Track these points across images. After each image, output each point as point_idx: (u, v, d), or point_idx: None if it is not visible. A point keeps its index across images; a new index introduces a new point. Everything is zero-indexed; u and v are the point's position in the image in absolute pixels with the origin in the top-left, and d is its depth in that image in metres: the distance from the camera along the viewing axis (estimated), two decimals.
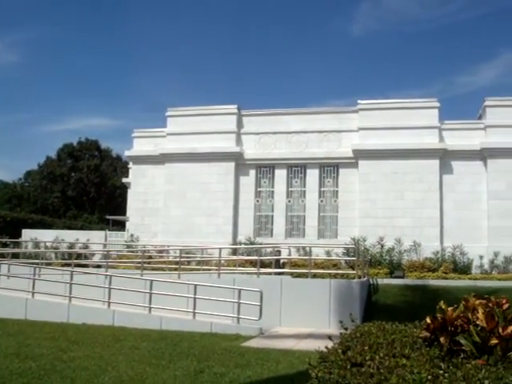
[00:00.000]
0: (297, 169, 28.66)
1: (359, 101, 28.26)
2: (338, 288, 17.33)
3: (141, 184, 30.47)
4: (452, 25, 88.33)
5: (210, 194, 28.65)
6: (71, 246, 28.57)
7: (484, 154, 26.79)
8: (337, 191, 28.12)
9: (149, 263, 23.92)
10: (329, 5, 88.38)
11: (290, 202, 28.55)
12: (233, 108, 29.35)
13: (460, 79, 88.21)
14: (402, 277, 21.99)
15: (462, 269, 23.45)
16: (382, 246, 24.35)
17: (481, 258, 24.39)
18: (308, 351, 11.04)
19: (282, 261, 23.59)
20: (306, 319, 16.79)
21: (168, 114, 30.39)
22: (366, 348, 5.42)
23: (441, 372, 4.45)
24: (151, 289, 16.72)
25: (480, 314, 5.23)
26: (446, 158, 27.03)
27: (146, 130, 31.78)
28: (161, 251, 26.46)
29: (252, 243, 25.83)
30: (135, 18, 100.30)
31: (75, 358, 10.99)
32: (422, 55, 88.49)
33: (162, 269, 22.80)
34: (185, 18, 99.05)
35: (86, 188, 73.17)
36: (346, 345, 5.69)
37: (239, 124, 29.29)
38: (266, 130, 28.93)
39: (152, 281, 16.95)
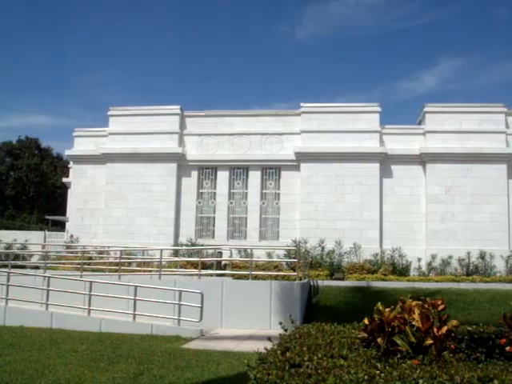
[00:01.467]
0: (239, 171, 28.69)
1: (302, 104, 28.46)
2: (279, 289, 17.44)
3: (81, 184, 29.97)
4: (396, 32, 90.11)
5: (151, 195, 28.40)
6: (8, 246, 27.95)
7: (423, 159, 27.36)
8: (279, 193, 28.27)
9: (89, 264, 23.62)
10: (274, 8, 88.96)
11: (231, 203, 28.55)
12: (175, 109, 29.16)
13: (402, 85, 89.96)
14: (342, 278, 22.27)
15: (401, 271, 23.90)
16: (323, 248, 24.65)
17: (419, 260, 24.94)
18: (248, 352, 11.09)
19: (223, 262, 23.61)
20: (248, 321, 16.86)
21: (110, 113, 29.98)
22: (305, 349, 5.49)
23: (377, 372, 4.53)
24: (91, 290, 16.53)
25: (416, 315, 5.35)
26: (386, 161, 27.49)
27: (87, 129, 31.28)
28: (101, 252, 26.12)
29: (193, 245, 25.74)
30: (77, 15, 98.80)
31: (11, 361, 10.77)
32: (365, 60, 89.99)
33: (102, 270, 22.53)
34: (129, 16, 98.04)
35: (25, 187, 71.54)
36: (285, 346, 5.74)
37: (182, 125, 29.12)
38: (209, 132, 28.86)
39: (91, 282, 16.76)
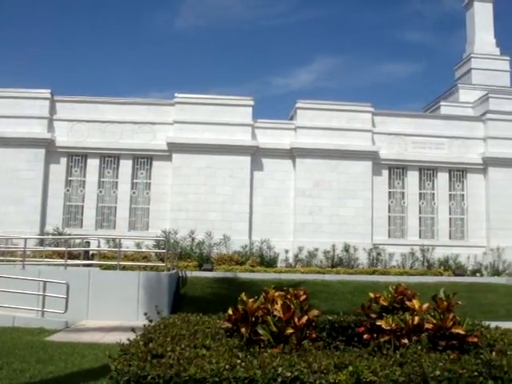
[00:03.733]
0: (110, 159, 28.10)
1: (176, 94, 28.29)
2: (147, 280, 17.32)
3: None
4: (273, 27, 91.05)
5: (18, 182, 27.15)
6: None
7: (293, 154, 28.00)
8: (150, 183, 27.97)
9: None
10: None
11: (101, 192, 27.94)
12: (45, 93, 28.03)
13: (277, 80, 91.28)
14: (211, 269, 22.37)
15: (269, 262, 24.35)
16: (193, 239, 24.64)
17: (286, 252, 25.49)
18: (114, 344, 10.89)
19: (91, 252, 23.06)
20: (115, 312, 16.59)
21: None
22: (168, 339, 5.48)
23: (238, 361, 4.60)
24: None
25: (278, 306, 5.46)
26: (257, 155, 27.90)
27: None
28: None
29: (60, 234, 24.96)
30: None
31: None
32: (242, 54, 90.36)
33: None
34: None
35: None
36: (148, 337, 5.70)
37: (52, 110, 28.05)
38: (80, 118, 27.99)
39: None
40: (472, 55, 36.71)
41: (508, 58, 37.14)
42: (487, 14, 37.66)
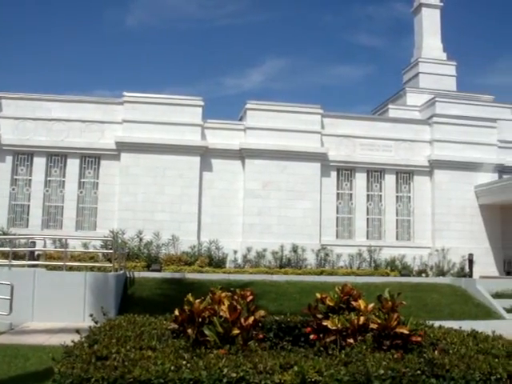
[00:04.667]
0: (57, 158, 27.62)
1: (125, 93, 27.99)
2: (94, 281, 17.11)
3: None
4: (225, 27, 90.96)
5: None
6: None
7: (243, 154, 28.03)
8: (97, 183, 27.61)
9: None
10: None
11: (48, 191, 27.44)
12: None
13: (229, 81, 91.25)
14: (159, 270, 22.24)
15: (218, 263, 24.34)
16: (141, 239, 24.45)
17: (235, 252, 25.50)
18: (60, 346, 10.73)
19: (36, 253, 22.65)
20: (61, 313, 16.34)
21: None
22: (114, 341, 5.42)
23: (184, 362, 4.58)
24: None
25: (225, 306, 5.46)
26: (207, 155, 27.83)
27: None
28: None
29: (5, 234, 24.43)
30: None
31: None
32: (194, 53, 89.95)
33: None
34: None
35: None
36: (93, 338, 5.64)
37: None
38: (26, 116, 27.44)
39: None
40: (420, 60, 37.36)
41: (454, 63, 37.94)
42: (435, 19, 38.41)
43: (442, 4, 38.57)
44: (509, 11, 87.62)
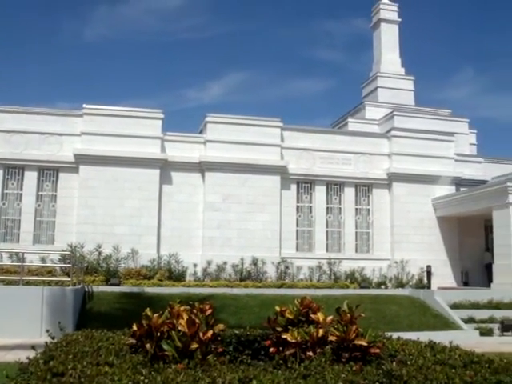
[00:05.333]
0: (14, 170, 27.16)
1: (84, 105, 27.73)
2: (52, 296, 16.84)
3: None
4: (186, 40, 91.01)
5: None
6: None
7: (202, 167, 27.98)
8: (55, 196, 27.23)
9: None
10: (62, 5, 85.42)
11: (4, 204, 26.96)
12: None
13: (189, 94, 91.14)
14: (118, 284, 21.99)
15: (177, 276, 24.17)
16: (100, 253, 24.14)
17: (195, 265, 25.34)
18: (15, 363, 10.51)
19: None
20: (17, 329, 15.99)
21: None
22: (70, 357, 5.33)
23: (142, 378, 4.52)
24: None
25: (183, 320, 5.41)
26: (167, 168, 27.70)
27: None
28: None
29: None
30: None
31: None
32: (154, 66, 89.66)
33: None
34: None
35: None
36: (49, 354, 5.53)
37: None
38: None
39: None
40: (378, 74, 37.91)
41: (412, 77, 38.61)
42: (393, 34, 39.09)
43: (400, 20, 39.31)
44: (465, 27, 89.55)
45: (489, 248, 30.09)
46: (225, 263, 25.37)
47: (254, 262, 25.56)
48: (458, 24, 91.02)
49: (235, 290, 22.17)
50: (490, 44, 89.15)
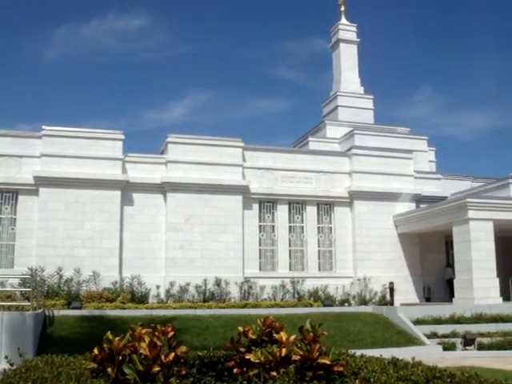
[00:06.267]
0: None
1: (44, 127, 27.42)
2: (11, 321, 16.48)
3: None
4: (147, 61, 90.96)
5: None
6: None
7: (164, 188, 27.85)
8: (15, 219, 26.78)
9: None
10: (22, 26, 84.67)
11: None
12: None
13: (150, 114, 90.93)
14: (80, 307, 21.63)
15: (140, 298, 23.89)
16: (61, 276, 23.76)
17: (158, 287, 25.10)
18: None
19: None
20: None
21: None
22: (30, 383, 5.22)
23: None
24: None
25: (144, 343, 5.36)
26: (128, 189, 27.50)
27: None
28: None
29: None
30: None
31: None
32: (115, 87, 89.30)
33: None
34: None
35: None
36: (8, 382, 5.42)
37: None
38: None
39: None
40: (338, 93, 38.35)
41: (371, 96, 39.14)
42: (352, 54, 39.67)
43: (358, 40, 39.91)
44: (424, 47, 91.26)
45: (450, 263, 30.50)
46: (188, 284, 25.17)
47: (218, 283, 25.41)
48: (417, 44, 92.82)
49: (199, 311, 21.99)
50: (449, 63, 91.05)
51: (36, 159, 26.89)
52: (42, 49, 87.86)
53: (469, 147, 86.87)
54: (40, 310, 18.74)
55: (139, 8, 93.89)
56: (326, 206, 30.82)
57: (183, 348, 5.76)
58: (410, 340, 20.49)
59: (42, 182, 26.49)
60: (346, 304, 26.49)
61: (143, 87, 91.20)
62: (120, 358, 5.50)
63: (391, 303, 26.90)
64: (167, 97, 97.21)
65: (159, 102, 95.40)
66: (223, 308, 23.02)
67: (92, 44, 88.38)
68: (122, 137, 27.93)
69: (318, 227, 30.59)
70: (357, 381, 5.54)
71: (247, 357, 6.03)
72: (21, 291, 21.85)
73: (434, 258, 31.56)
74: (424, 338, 20.72)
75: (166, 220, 27.71)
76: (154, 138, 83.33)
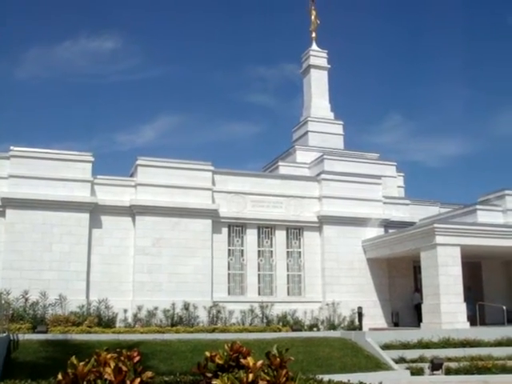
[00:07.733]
0: None
1: (12, 147, 27.13)
2: None
3: None
4: (119, 83, 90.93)
5: None
6: None
7: (133, 211, 27.68)
8: None
9: None
10: None
11: None
12: None
13: (121, 137, 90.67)
14: (46, 331, 21.29)
15: (107, 322, 23.61)
16: (27, 299, 23.42)
17: (125, 311, 24.85)
18: None
19: None
20: None
21: None
22: None
23: None
24: None
25: (109, 368, 5.29)
26: (96, 212, 27.27)
27: None
28: None
29: None
30: None
31: None
32: (87, 108, 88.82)
33: None
34: None
35: None
36: None
37: None
38: None
39: None
40: (309, 118, 38.70)
41: (341, 122, 39.63)
42: (322, 80, 40.12)
43: (329, 66, 40.43)
44: (394, 74, 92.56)
45: (418, 288, 30.70)
46: (156, 308, 24.99)
47: (186, 307, 25.24)
48: (387, 70, 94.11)
49: (166, 336, 21.78)
50: (418, 90, 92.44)
51: (4, 180, 26.55)
52: (11, 68, 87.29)
53: (437, 173, 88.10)
54: (4, 334, 18.44)
55: (112, 29, 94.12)
56: (295, 230, 30.90)
57: (149, 373, 5.68)
58: (378, 365, 20.51)
59: (10, 203, 26.14)
60: (315, 329, 26.47)
61: (114, 109, 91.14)
62: (84, 383, 5.42)
63: (360, 328, 26.94)
64: (138, 119, 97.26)
65: (130, 124, 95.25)
66: (191, 332, 22.83)
67: (64, 65, 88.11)
68: (92, 159, 27.75)
69: (287, 251, 30.63)
70: None
71: (214, 382, 5.97)
72: None
73: (402, 283, 31.78)
74: (392, 363, 20.76)
75: (134, 243, 27.51)
76: (124, 161, 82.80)
